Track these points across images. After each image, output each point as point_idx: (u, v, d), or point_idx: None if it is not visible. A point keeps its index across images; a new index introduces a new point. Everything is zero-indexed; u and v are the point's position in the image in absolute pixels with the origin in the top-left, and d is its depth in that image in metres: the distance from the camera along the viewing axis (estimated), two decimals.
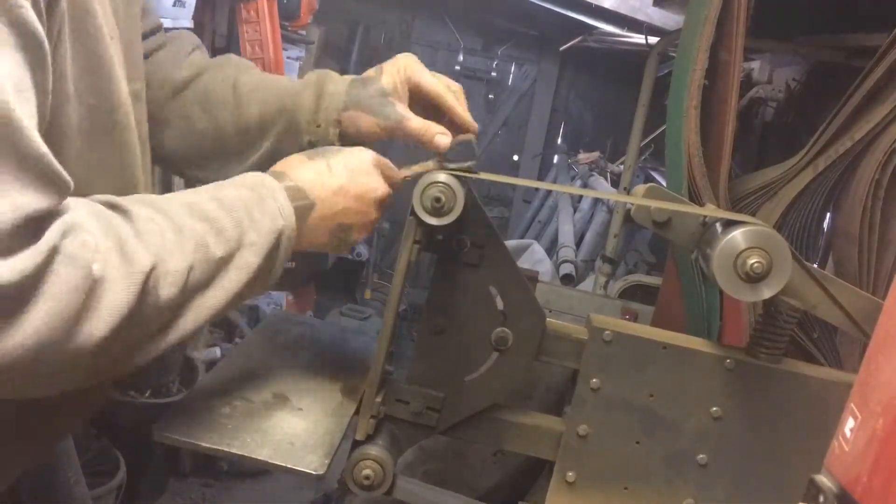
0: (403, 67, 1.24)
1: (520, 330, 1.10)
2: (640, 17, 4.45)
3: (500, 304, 1.10)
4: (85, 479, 1.47)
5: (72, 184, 0.80)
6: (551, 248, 4.87)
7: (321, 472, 1.00)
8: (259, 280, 1.00)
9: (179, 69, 1.27)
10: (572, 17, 5.36)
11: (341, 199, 1.07)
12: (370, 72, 1.26)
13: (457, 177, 1.03)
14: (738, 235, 1.02)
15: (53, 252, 0.75)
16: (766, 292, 1.03)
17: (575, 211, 5.15)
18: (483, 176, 1.16)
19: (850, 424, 0.74)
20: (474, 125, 1.26)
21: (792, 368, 1.10)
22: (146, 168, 1.13)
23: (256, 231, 0.98)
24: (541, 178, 6.97)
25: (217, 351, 3.67)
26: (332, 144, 1.23)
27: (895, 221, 1.44)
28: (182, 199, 0.95)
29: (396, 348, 1.13)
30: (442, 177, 1.02)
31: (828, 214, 1.67)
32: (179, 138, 1.28)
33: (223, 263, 0.94)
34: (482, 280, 1.10)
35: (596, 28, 5.38)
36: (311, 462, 1.01)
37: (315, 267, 4.94)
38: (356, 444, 1.10)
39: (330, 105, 1.23)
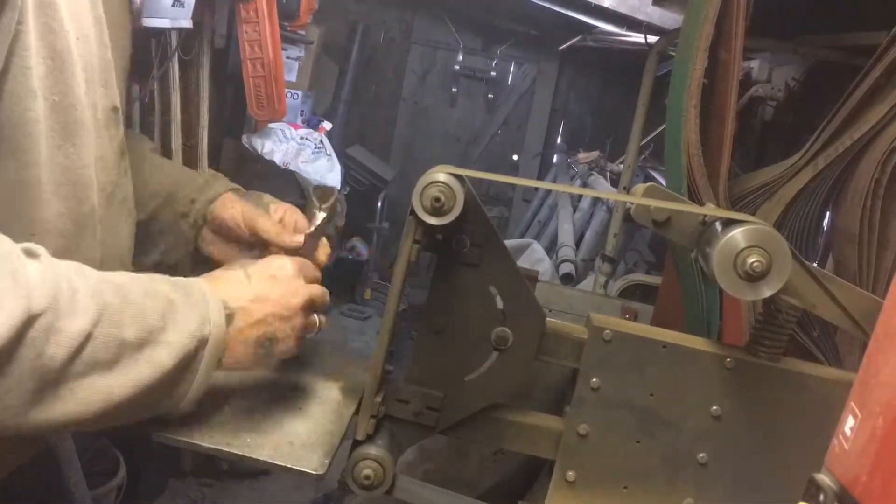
0: (247, 214, 1.28)
1: (519, 329, 1.10)
2: (640, 16, 4.45)
3: (499, 303, 1.10)
4: (85, 478, 1.47)
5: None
6: (551, 248, 4.87)
7: (321, 472, 1.00)
8: (166, 389, 0.92)
9: None
10: (572, 17, 5.36)
11: (260, 307, 1.02)
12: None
13: (456, 176, 1.03)
14: (737, 234, 1.02)
15: None
16: (766, 291, 1.03)
17: (574, 210, 5.15)
18: (483, 175, 1.15)
19: (849, 423, 0.74)
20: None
21: (792, 367, 1.10)
22: (126, 179, 1.15)
23: (177, 331, 0.90)
24: (540, 177, 6.97)
25: None
26: (199, 221, 1.29)
27: (895, 220, 1.44)
28: (108, 276, 0.89)
29: (396, 348, 1.13)
30: (441, 176, 1.02)
31: (827, 213, 1.68)
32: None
33: (131, 350, 0.86)
34: (482, 279, 1.10)
35: (595, 27, 5.38)
36: (311, 462, 1.01)
37: None
38: (356, 444, 1.10)
39: (210, 191, 1.29)
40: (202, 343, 0.93)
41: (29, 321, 0.75)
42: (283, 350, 1.05)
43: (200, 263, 1.32)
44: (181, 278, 0.98)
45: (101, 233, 1.07)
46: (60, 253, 0.87)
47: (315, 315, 1.11)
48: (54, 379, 0.79)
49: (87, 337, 0.81)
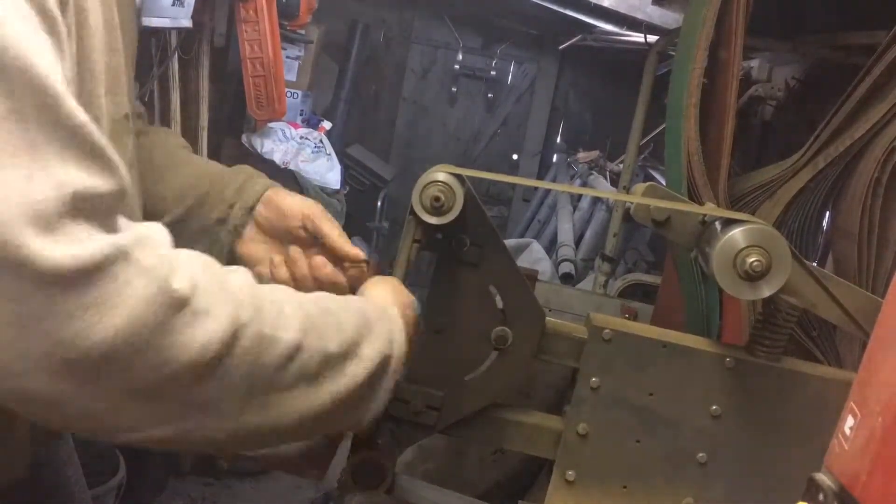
0: (309, 211, 1.24)
1: (519, 329, 1.10)
2: (640, 15, 4.44)
3: (499, 302, 1.10)
4: (85, 477, 1.47)
5: (121, 165, 0.73)
6: (551, 247, 4.87)
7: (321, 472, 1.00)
8: (356, 403, 0.90)
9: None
10: (572, 16, 5.35)
11: (407, 318, 1.01)
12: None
13: (456, 176, 1.03)
14: (737, 234, 1.02)
15: (124, 257, 0.68)
16: (766, 291, 1.03)
17: (574, 210, 5.15)
18: (482, 174, 1.16)
19: (849, 423, 0.74)
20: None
21: (791, 367, 1.10)
22: (135, 190, 1.11)
23: (371, 346, 0.90)
24: (540, 176, 6.96)
25: None
26: (240, 225, 1.25)
27: (895, 220, 1.44)
28: (298, 294, 0.89)
29: None
30: (441, 176, 1.02)
31: (827, 213, 1.68)
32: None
33: (335, 361, 0.86)
34: (482, 279, 1.10)
35: (595, 27, 5.38)
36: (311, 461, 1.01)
37: None
38: (356, 444, 1.10)
39: (250, 190, 1.25)
40: (387, 360, 0.92)
41: (239, 329, 0.75)
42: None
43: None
44: (370, 299, 0.99)
45: None
46: None
47: None
48: (262, 387, 0.79)
49: (297, 348, 0.81)
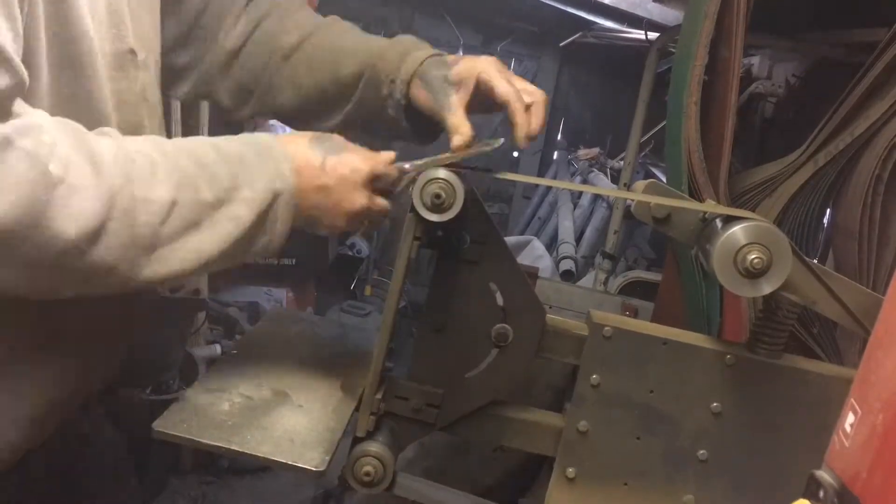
0: (480, 68, 1.23)
1: (520, 326, 1.10)
2: (640, 12, 4.44)
3: (500, 300, 1.10)
4: None
5: (24, 74, 0.83)
6: (551, 245, 4.88)
7: (321, 469, 1.00)
8: (250, 240, 1.01)
9: (286, 35, 1.34)
10: (572, 13, 5.36)
11: (319, 198, 1.07)
12: (451, 57, 1.29)
13: (457, 173, 1.03)
14: (738, 231, 1.02)
15: (8, 144, 0.78)
16: (767, 288, 1.03)
17: (575, 207, 5.16)
18: (483, 173, 1.15)
19: (850, 420, 0.74)
20: (526, 143, 1.26)
21: (792, 364, 1.10)
22: (151, 124, 1.15)
23: (252, 188, 0.99)
24: (541, 174, 6.96)
25: (217, 348, 3.67)
26: (400, 103, 1.28)
27: (895, 217, 1.44)
28: (181, 143, 0.98)
29: (396, 345, 1.13)
30: (442, 173, 1.02)
31: (828, 210, 1.68)
32: (290, 100, 1.35)
33: (212, 209, 0.95)
34: (482, 276, 1.10)
35: (596, 24, 5.38)
36: (311, 459, 1.01)
37: (315, 264, 4.94)
38: (356, 441, 1.10)
39: (405, 69, 1.27)
40: (276, 196, 1.01)
41: (113, 197, 0.85)
42: (322, 230, 1.11)
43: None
44: (256, 135, 1.06)
45: None
46: None
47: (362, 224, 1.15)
48: (151, 244, 0.90)
49: (173, 203, 0.91)
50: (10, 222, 0.79)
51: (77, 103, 0.98)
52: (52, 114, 0.93)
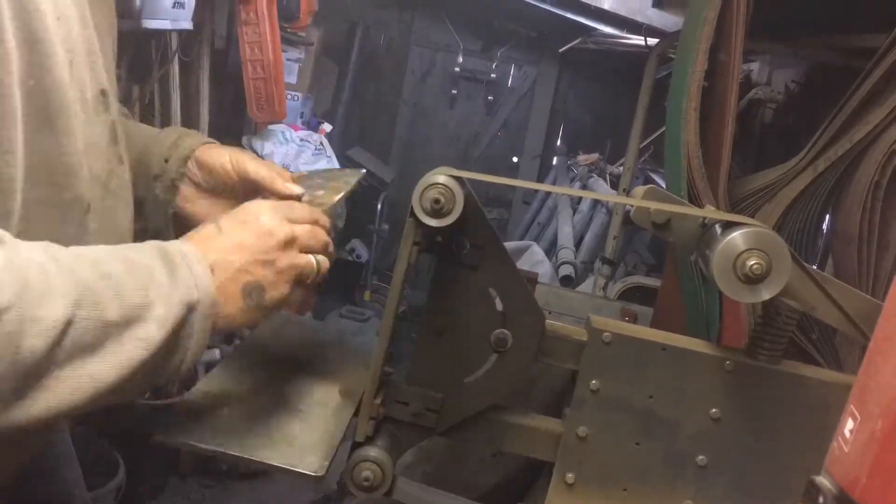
0: (234, 157, 1.22)
1: (519, 331, 1.10)
2: (640, 18, 4.45)
3: (499, 305, 1.10)
4: (84, 479, 1.47)
5: None
6: (550, 250, 4.88)
7: (321, 474, 1.00)
8: (160, 362, 0.87)
9: None
10: (571, 19, 5.37)
11: (238, 256, 0.97)
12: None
13: (456, 178, 1.03)
14: (737, 237, 1.02)
15: None
16: (766, 294, 1.03)
17: (574, 212, 5.16)
18: (482, 177, 1.16)
19: (849, 426, 0.74)
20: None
21: (791, 370, 1.10)
22: (122, 166, 1.10)
23: (165, 303, 0.86)
24: (540, 179, 6.97)
25: (216, 353, 3.67)
26: (176, 179, 1.23)
27: (894, 223, 1.44)
28: (83, 252, 0.84)
29: (396, 349, 1.13)
30: (441, 178, 1.02)
31: (827, 216, 1.68)
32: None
33: (115, 330, 0.81)
34: (481, 281, 1.10)
35: (595, 30, 5.39)
36: (310, 463, 1.01)
37: None
38: (356, 446, 1.10)
39: (184, 145, 1.23)
40: (191, 309, 0.89)
41: None
42: (274, 297, 0.99)
43: (182, 226, 1.23)
44: (158, 242, 0.93)
45: (96, 222, 1.02)
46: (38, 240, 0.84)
47: (310, 256, 1.05)
48: (35, 372, 0.75)
49: (68, 323, 0.76)
50: None
51: (49, 158, 0.92)
52: (25, 170, 0.87)
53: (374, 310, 5.74)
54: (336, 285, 5.66)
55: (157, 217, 1.26)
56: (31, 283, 0.74)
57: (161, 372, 0.89)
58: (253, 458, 1.01)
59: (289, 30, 4.26)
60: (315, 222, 1.08)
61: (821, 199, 1.58)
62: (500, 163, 7.27)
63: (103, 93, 1.03)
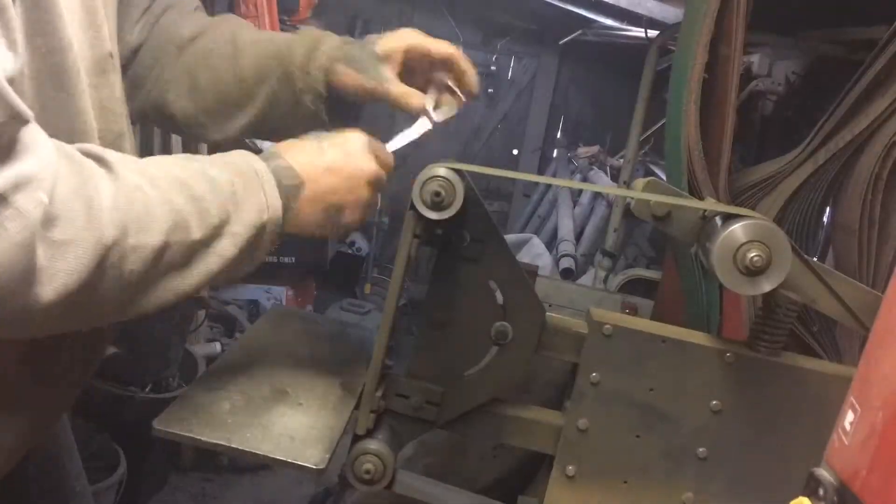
0: (403, 37, 1.25)
1: (519, 324, 1.10)
2: (640, 10, 4.44)
3: (499, 298, 1.10)
4: (85, 473, 1.47)
5: (21, 108, 0.76)
6: (551, 243, 4.87)
7: (321, 467, 1.00)
8: (234, 269, 1.00)
9: (183, 28, 1.30)
10: (572, 11, 5.35)
11: (331, 179, 1.06)
12: (370, 37, 1.27)
13: (456, 171, 1.03)
14: (737, 229, 1.02)
15: (1, 200, 0.73)
16: (766, 286, 1.03)
17: (574, 205, 5.15)
18: (482, 170, 1.15)
19: (849, 418, 0.74)
20: (476, 93, 1.30)
21: (792, 362, 1.10)
22: (117, 125, 1.11)
23: (240, 222, 0.97)
24: (540, 172, 6.97)
25: (217, 346, 3.68)
26: (321, 94, 1.26)
27: (895, 215, 1.44)
28: (175, 173, 0.94)
29: (396, 343, 1.13)
30: (441, 171, 1.02)
31: (827, 208, 1.67)
32: (185, 96, 1.30)
33: (201, 247, 0.93)
34: (482, 274, 1.10)
35: (595, 22, 5.37)
36: (311, 456, 1.02)
37: (315, 262, 4.95)
38: (356, 439, 1.10)
39: (322, 56, 1.25)
40: (261, 229, 1.00)
41: (104, 253, 0.81)
42: (349, 220, 1.10)
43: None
44: (248, 157, 1.03)
45: None
46: None
47: (378, 195, 1.15)
48: (137, 287, 0.88)
49: (163, 247, 0.88)
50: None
51: (60, 117, 0.94)
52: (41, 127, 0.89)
53: (374, 303, 5.75)
54: (336, 278, 5.66)
55: (304, 125, 1.29)
56: (134, 214, 0.85)
57: (236, 274, 1.01)
58: (254, 452, 1.01)
59: (288, 22, 4.25)
60: (391, 168, 1.17)
61: (821, 191, 1.57)
62: (500, 155, 7.26)
63: (110, 55, 1.06)
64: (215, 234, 0.95)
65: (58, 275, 0.78)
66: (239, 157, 1.03)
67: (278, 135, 1.21)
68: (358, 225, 1.14)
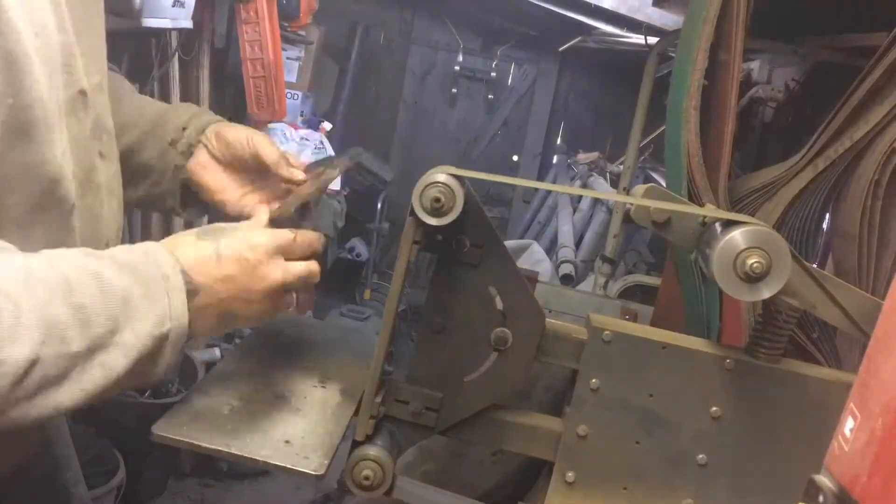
0: (250, 135, 1.28)
1: (519, 330, 1.10)
2: (640, 17, 4.44)
3: (499, 304, 1.10)
4: (84, 479, 1.47)
5: None
6: (551, 249, 4.87)
7: (320, 473, 1.00)
8: (129, 381, 0.92)
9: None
10: (571, 18, 5.35)
11: (225, 288, 1.01)
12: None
13: (456, 177, 1.03)
14: (737, 235, 1.02)
15: None
16: (766, 292, 1.02)
17: (574, 211, 5.15)
18: (483, 176, 1.15)
19: (849, 424, 0.74)
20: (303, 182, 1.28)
21: (791, 368, 1.10)
22: (105, 161, 1.12)
23: (134, 332, 0.90)
24: (540, 178, 6.97)
25: (216, 351, 3.67)
26: (193, 146, 1.28)
27: (895, 221, 1.44)
28: (64, 274, 0.87)
29: (396, 348, 1.13)
30: (441, 177, 1.02)
31: (827, 214, 1.68)
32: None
33: (80, 359, 0.85)
34: (482, 280, 1.10)
35: (595, 28, 5.38)
36: (310, 462, 1.01)
37: None
38: (355, 445, 1.10)
39: (203, 117, 1.29)
40: (162, 340, 0.93)
41: None
42: (244, 324, 1.07)
43: (189, 194, 1.33)
44: (143, 258, 0.95)
45: (79, 220, 1.03)
46: (24, 243, 0.89)
47: (292, 294, 1.11)
48: (3, 404, 0.80)
49: (34, 362, 0.80)
50: None
51: (29, 170, 0.93)
52: (8, 180, 0.88)
53: (374, 308, 5.74)
54: (336, 284, 5.66)
55: (165, 182, 1.31)
56: (2, 317, 0.78)
57: (129, 386, 0.94)
58: (253, 458, 1.01)
59: (289, 28, 4.25)
60: (313, 254, 1.13)
61: (821, 197, 1.57)
62: (500, 161, 7.26)
63: (82, 92, 1.04)
64: (100, 344, 0.87)
65: None
66: (149, 257, 0.96)
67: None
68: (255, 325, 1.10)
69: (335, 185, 4.35)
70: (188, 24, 3.27)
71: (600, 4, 4.81)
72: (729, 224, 1.06)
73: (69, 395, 0.85)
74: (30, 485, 1.26)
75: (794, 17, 2.10)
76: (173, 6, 3.04)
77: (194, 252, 1.01)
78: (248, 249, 1.04)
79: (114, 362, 0.88)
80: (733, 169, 1.65)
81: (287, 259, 1.08)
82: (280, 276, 1.05)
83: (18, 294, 0.81)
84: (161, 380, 0.99)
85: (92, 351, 0.86)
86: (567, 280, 4.00)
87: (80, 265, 0.89)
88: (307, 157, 4.36)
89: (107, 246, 1.12)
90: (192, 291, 0.97)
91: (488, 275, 1.10)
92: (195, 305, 0.98)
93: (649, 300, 3.09)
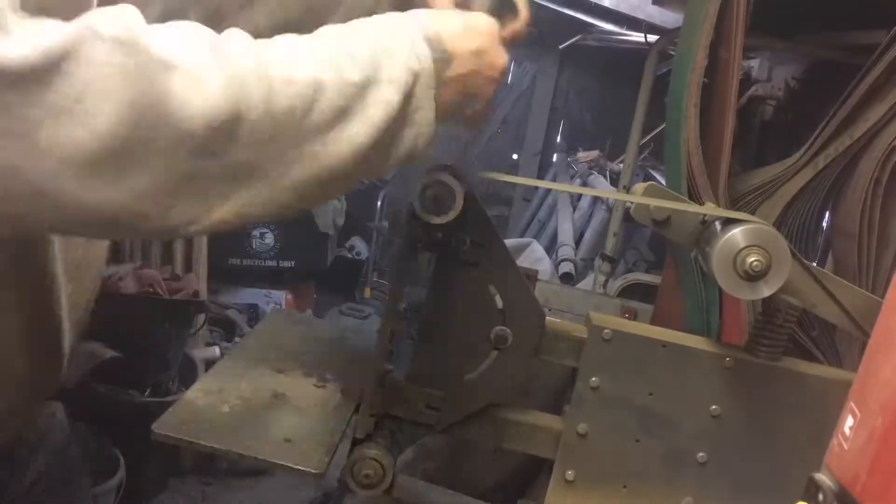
0: None
1: (519, 328, 1.10)
2: (640, 15, 4.45)
3: (499, 302, 1.10)
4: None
5: None
6: (551, 247, 4.87)
7: (321, 471, 1.00)
8: (399, 130, 0.87)
9: None
10: (571, 16, 5.36)
11: (475, 62, 0.95)
12: None
13: (456, 176, 1.03)
14: (737, 234, 1.02)
15: (89, 36, 0.62)
16: (766, 290, 1.03)
17: (574, 209, 5.15)
18: (483, 174, 1.15)
19: (849, 423, 0.74)
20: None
21: (791, 367, 1.10)
22: None
23: (393, 67, 0.85)
24: (540, 176, 6.97)
25: (216, 350, 3.67)
26: None
27: (894, 219, 1.44)
28: (324, 32, 0.84)
29: (396, 347, 1.13)
30: (441, 175, 1.02)
31: (827, 212, 1.68)
32: (267, 17, 1.17)
33: (361, 91, 0.81)
34: (481, 279, 1.10)
35: (595, 26, 5.38)
36: (310, 461, 1.01)
37: (314, 266, 4.95)
38: (356, 443, 1.10)
39: None
40: (416, 77, 0.87)
41: (241, 82, 0.71)
42: (474, 113, 1.00)
43: None
44: (390, 18, 0.91)
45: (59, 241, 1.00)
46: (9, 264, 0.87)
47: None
48: (297, 136, 0.76)
49: (319, 84, 0.77)
50: (126, 129, 0.63)
51: None
52: None
53: (374, 307, 5.75)
54: (336, 282, 5.66)
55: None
56: (272, 50, 0.75)
57: (401, 142, 0.88)
58: (253, 456, 1.01)
59: None
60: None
61: (821, 195, 1.58)
62: (500, 160, 7.26)
63: None
64: (372, 78, 0.82)
65: (198, 106, 0.67)
66: (382, 14, 0.92)
67: None
68: (481, 122, 1.03)
69: None
70: None
71: (600, 2, 4.82)
72: (729, 222, 1.06)
73: (360, 130, 0.80)
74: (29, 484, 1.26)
75: (794, 15, 2.10)
76: None
77: (444, 19, 0.96)
78: (490, 27, 0.99)
79: (389, 98, 0.83)
80: (733, 167, 1.65)
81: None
82: (505, 61, 1.00)
83: (283, 40, 0.79)
84: (424, 144, 0.91)
85: (367, 83, 0.81)
86: (567, 278, 4.00)
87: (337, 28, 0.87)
88: None
89: (98, 271, 1.11)
90: (445, 59, 0.91)
91: (488, 273, 1.10)
92: (447, 75, 0.91)
93: (649, 299, 3.09)
